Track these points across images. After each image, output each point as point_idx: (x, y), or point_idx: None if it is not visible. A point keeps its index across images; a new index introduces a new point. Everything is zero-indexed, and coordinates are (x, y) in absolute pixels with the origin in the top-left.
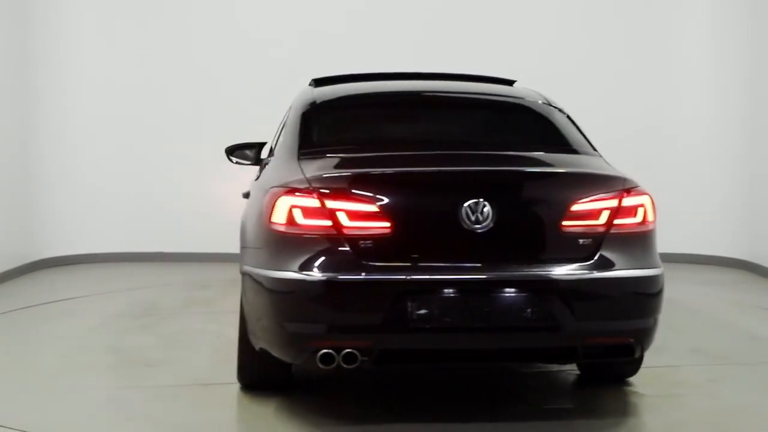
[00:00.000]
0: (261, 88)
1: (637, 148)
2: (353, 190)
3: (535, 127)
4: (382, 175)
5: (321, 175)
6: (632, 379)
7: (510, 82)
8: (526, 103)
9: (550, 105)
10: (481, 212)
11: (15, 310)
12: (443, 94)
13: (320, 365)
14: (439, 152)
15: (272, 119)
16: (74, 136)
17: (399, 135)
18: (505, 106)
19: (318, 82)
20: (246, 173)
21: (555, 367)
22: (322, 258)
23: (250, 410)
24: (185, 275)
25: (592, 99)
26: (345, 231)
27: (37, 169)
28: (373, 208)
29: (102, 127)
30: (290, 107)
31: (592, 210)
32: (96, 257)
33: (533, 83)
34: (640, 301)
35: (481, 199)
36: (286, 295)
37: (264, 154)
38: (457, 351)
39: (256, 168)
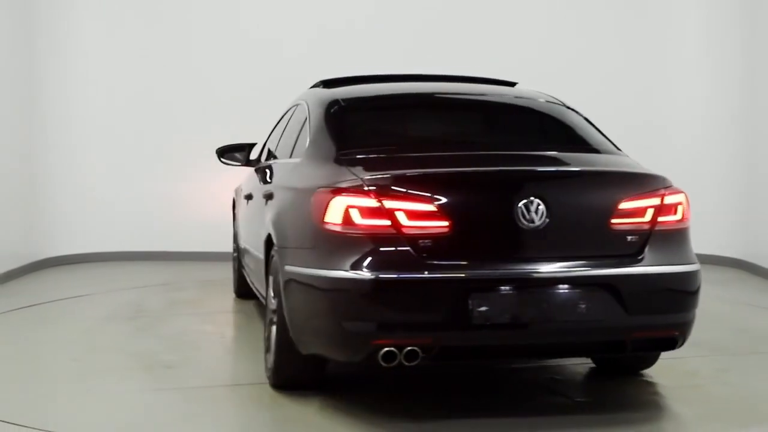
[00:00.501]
0: (261, 89)
1: (631, 148)
2: (411, 190)
3: (561, 128)
4: (440, 174)
5: (378, 175)
6: (646, 371)
7: (512, 84)
8: (545, 105)
9: (568, 107)
10: (536, 210)
11: (15, 309)
12: (467, 96)
13: (382, 363)
14: (487, 153)
15: (273, 120)
16: (78, 138)
17: (434, 135)
18: (527, 108)
19: (327, 84)
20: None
21: (569, 361)
22: (383, 257)
23: (296, 410)
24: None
25: (584, 99)
26: (404, 230)
27: (41, 170)
28: (431, 207)
29: (105, 128)
30: (295, 107)
31: (638, 208)
32: (99, 256)
33: (528, 83)
34: (684, 295)
35: (536, 198)
36: (346, 295)
37: (254, 155)
38: (514, 347)
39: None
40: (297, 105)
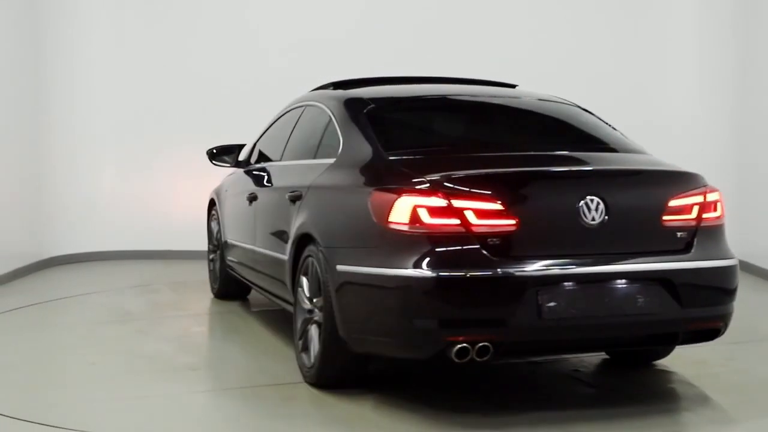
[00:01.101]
0: (261, 91)
1: None
2: (480, 190)
3: (590, 129)
4: (506, 174)
5: (444, 175)
6: (659, 362)
7: (512, 86)
8: (567, 108)
9: (584, 110)
10: (596, 209)
11: (16, 308)
12: (494, 98)
13: (455, 359)
14: (540, 153)
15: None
16: (82, 139)
17: (472, 136)
18: (551, 110)
19: (337, 85)
20: None
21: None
22: (454, 255)
23: (349, 408)
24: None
25: (576, 99)
26: (474, 229)
27: (47, 170)
28: (499, 206)
29: (110, 129)
30: (302, 108)
31: (685, 205)
32: (103, 255)
33: (522, 83)
34: (727, 287)
35: (595, 197)
36: (420, 293)
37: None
38: (580, 341)
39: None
40: (306, 106)
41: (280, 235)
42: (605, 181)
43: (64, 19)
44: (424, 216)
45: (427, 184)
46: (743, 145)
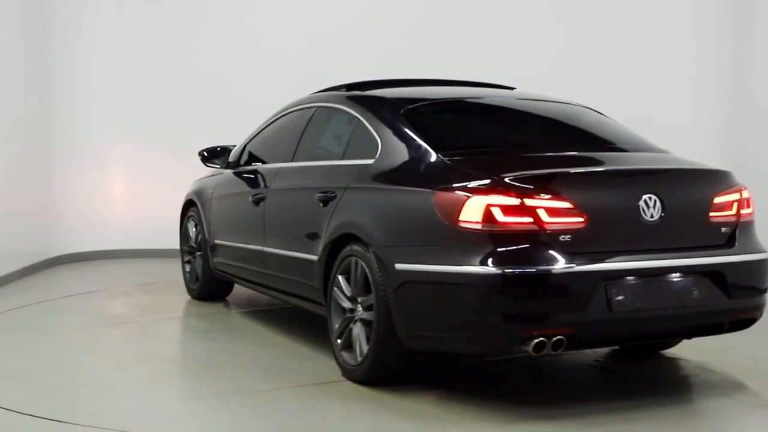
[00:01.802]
0: (264, 92)
1: None
2: (550, 188)
3: (619, 131)
4: (574, 174)
5: (516, 174)
6: (666, 351)
7: (511, 89)
8: (587, 111)
9: (599, 113)
10: (654, 206)
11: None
12: (525, 101)
13: (532, 353)
14: (594, 153)
15: None
16: (88, 140)
17: (516, 137)
18: (576, 112)
19: (349, 88)
20: None
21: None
22: (528, 252)
23: (409, 404)
24: None
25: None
26: (546, 227)
27: (55, 171)
28: (568, 204)
29: (115, 129)
30: (315, 109)
31: (727, 202)
32: (112, 253)
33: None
34: (764, 279)
35: (653, 195)
36: (498, 290)
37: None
38: (644, 332)
39: None
40: (317, 108)
41: (306, 236)
42: (660, 180)
43: (71, 23)
44: (498, 215)
45: (499, 184)
46: (737, 145)
